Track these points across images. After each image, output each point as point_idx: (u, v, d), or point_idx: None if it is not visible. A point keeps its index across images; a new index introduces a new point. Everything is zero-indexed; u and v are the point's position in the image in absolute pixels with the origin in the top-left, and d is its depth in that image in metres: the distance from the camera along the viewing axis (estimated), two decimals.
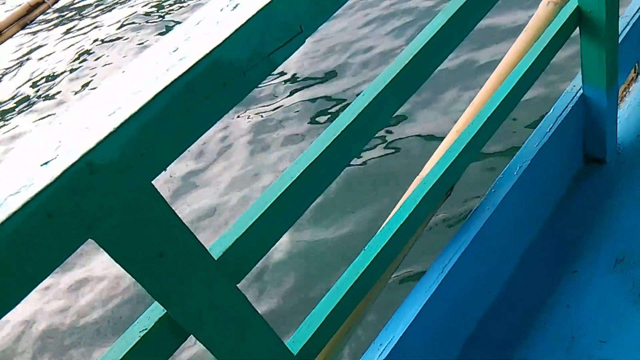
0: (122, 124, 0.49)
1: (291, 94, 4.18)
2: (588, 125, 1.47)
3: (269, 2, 0.58)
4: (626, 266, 1.30)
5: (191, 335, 0.68)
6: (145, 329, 0.65)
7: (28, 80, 6.49)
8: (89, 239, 0.51)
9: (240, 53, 0.56)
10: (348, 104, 0.89)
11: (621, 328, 1.21)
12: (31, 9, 4.79)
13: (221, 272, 0.66)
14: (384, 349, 1.06)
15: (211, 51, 0.53)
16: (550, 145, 1.36)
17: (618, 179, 1.50)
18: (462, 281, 1.20)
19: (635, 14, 1.56)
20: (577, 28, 1.31)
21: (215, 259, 0.68)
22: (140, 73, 0.55)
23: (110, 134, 0.48)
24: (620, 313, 1.23)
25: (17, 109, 5.94)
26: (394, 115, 1.00)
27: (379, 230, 1.02)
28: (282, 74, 4.39)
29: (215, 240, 0.71)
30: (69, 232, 0.49)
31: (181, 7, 6.45)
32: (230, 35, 0.55)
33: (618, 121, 1.59)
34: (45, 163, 0.49)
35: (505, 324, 1.30)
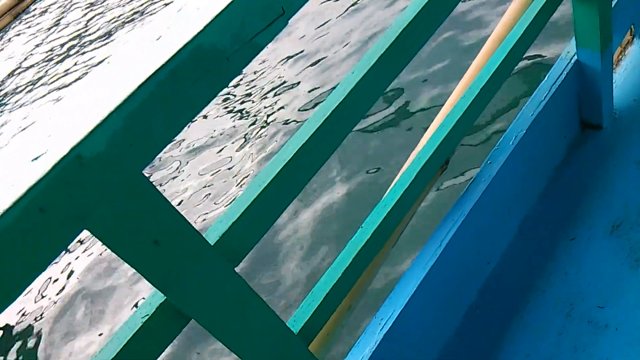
0: (109, 115, 0.49)
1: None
2: (583, 91, 1.47)
3: None
4: (623, 231, 1.31)
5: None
6: (147, 315, 0.66)
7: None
8: (84, 230, 0.52)
9: (222, 38, 0.56)
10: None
11: (619, 292, 1.22)
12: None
13: (218, 257, 0.67)
14: (385, 323, 1.08)
15: (193, 38, 0.53)
16: (545, 113, 1.35)
17: (615, 144, 1.49)
18: (461, 253, 1.21)
19: None
20: None
21: (212, 244, 0.69)
22: (124, 63, 0.55)
23: (98, 125, 0.49)
24: (617, 278, 1.24)
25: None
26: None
27: (376, 206, 1.03)
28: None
29: (211, 226, 0.72)
30: (63, 225, 0.50)
31: None
32: (212, 21, 0.55)
33: (614, 85, 1.58)
34: (36, 158, 0.50)
35: (505, 292, 1.31)
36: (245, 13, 0.58)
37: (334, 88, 0.84)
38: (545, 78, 1.41)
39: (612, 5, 1.39)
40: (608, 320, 1.19)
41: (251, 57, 0.60)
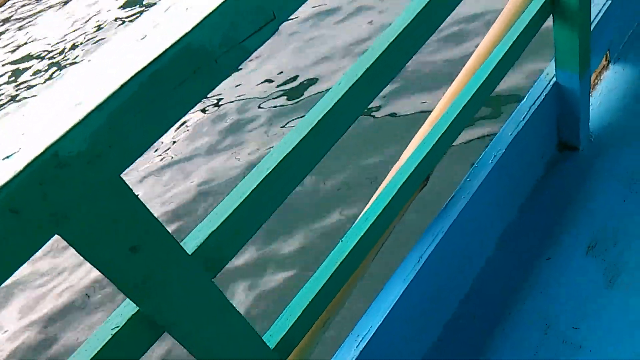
0: (89, 114, 0.47)
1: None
2: (561, 113, 1.49)
3: None
4: (598, 252, 1.32)
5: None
6: (118, 327, 0.63)
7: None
8: (56, 235, 0.49)
9: (211, 39, 0.54)
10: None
11: (593, 313, 1.23)
12: None
13: (196, 266, 0.65)
14: (361, 340, 1.06)
15: (181, 38, 0.51)
16: (524, 133, 1.37)
17: (590, 166, 1.51)
18: (439, 269, 1.20)
19: (606, 2, 1.57)
20: (551, 15, 1.31)
21: (190, 253, 0.66)
22: (107, 62, 0.53)
23: (77, 124, 0.46)
24: (592, 298, 1.25)
25: None
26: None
27: (356, 221, 1.01)
28: None
29: (189, 234, 0.69)
30: (35, 228, 0.47)
31: None
32: (201, 22, 0.53)
33: (591, 108, 1.61)
34: (8, 156, 0.47)
35: (481, 310, 1.31)
36: (236, 15, 0.56)
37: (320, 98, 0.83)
38: (525, 98, 1.42)
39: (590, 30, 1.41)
40: (582, 341, 1.19)
41: (240, 60, 0.58)
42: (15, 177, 0.44)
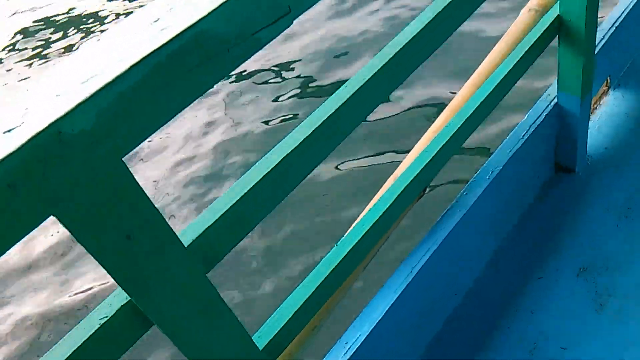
0: (96, 92, 0.45)
1: None
2: (560, 134, 1.49)
3: None
4: (590, 275, 1.32)
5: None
6: (106, 317, 0.61)
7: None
8: (51, 216, 0.48)
9: (225, 28, 0.53)
10: None
11: (583, 335, 1.22)
12: None
13: (191, 259, 0.63)
14: (349, 347, 1.04)
15: (195, 23, 0.50)
16: (522, 151, 1.37)
17: (585, 189, 1.52)
18: (430, 282, 1.20)
19: (610, 27, 1.59)
20: (557, 37, 1.32)
21: (186, 245, 0.65)
22: (117, 42, 0.52)
23: (83, 101, 0.45)
24: (582, 320, 1.25)
25: None
26: None
27: (352, 227, 1.01)
28: None
29: (186, 226, 0.68)
30: (31, 207, 0.45)
31: None
32: (216, 9, 0.52)
33: (589, 133, 1.62)
34: (9, 130, 0.45)
35: (470, 326, 1.30)
36: (252, 7, 0.55)
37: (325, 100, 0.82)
38: (525, 117, 1.43)
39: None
40: None
41: (252, 51, 0.57)
42: (15, 151, 0.43)
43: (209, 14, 0.51)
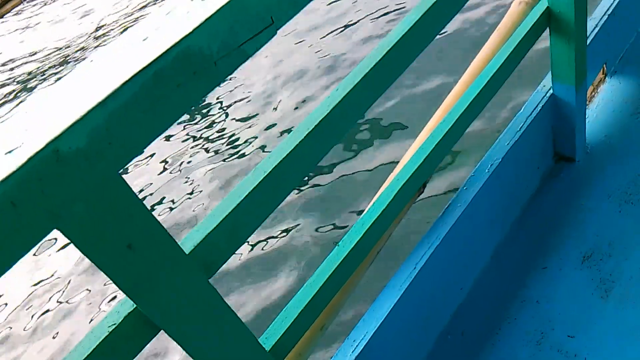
0: (89, 111, 0.48)
1: None
2: (558, 124, 1.50)
3: None
4: (593, 262, 1.33)
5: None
6: (115, 324, 0.64)
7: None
8: (55, 229, 0.51)
9: (210, 43, 0.56)
10: None
11: (589, 322, 1.23)
12: (2, 3, 4.70)
13: (192, 267, 0.66)
14: (357, 345, 1.06)
15: (181, 40, 0.53)
16: (521, 143, 1.38)
17: (587, 177, 1.53)
18: (435, 277, 1.21)
19: (602, 16, 1.59)
20: (547, 28, 1.33)
21: (187, 253, 0.67)
22: (108, 61, 0.54)
23: (78, 121, 0.48)
24: (588, 308, 1.25)
25: None
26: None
27: (353, 226, 1.02)
28: None
29: (186, 234, 0.71)
30: (34, 222, 0.48)
31: None
32: (200, 25, 0.54)
33: (587, 121, 1.62)
34: (10, 151, 0.48)
35: (477, 319, 1.31)
36: (235, 20, 0.58)
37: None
38: (522, 109, 1.44)
39: (587, 44, 1.43)
40: (578, 350, 1.19)
41: (238, 63, 0.59)
42: (16, 171, 0.45)
43: (194, 30, 0.54)
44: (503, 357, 1.23)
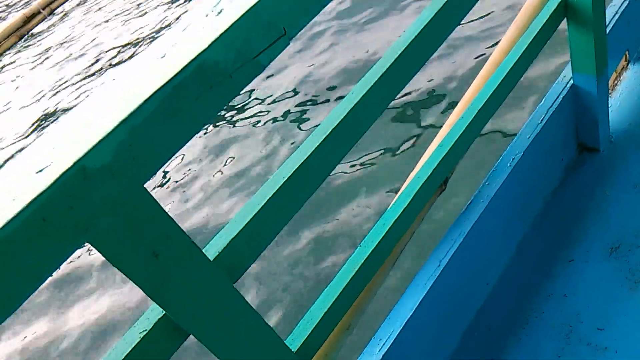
0: (113, 130, 0.50)
1: None
2: (580, 115, 1.49)
3: (252, 7, 0.59)
4: (621, 253, 1.32)
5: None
6: (145, 330, 0.66)
7: None
8: (86, 242, 0.53)
9: (225, 56, 0.58)
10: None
11: (618, 314, 1.22)
12: (27, 19, 4.80)
13: (217, 272, 0.68)
14: (384, 344, 1.07)
15: (197, 55, 0.55)
16: (542, 135, 1.37)
17: (611, 167, 1.51)
18: (459, 273, 1.21)
19: (623, 2, 1.57)
20: (565, 18, 1.32)
21: (211, 259, 0.69)
22: (129, 80, 0.57)
23: (102, 139, 0.50)
24: (616, 300, 1.24)
25: None
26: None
27: (375, 225, 1.03)
28: None
29: (210, 241, 0.73)
30: (65, 236, 0.50)
31: None
32: (216, 40, 0.56)
33: (610, 110, 1.60)
34: (41, 170, 0.51)
35: (503, 313, 1.31)
36: (248, 32, 0.59)
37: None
38: (542, 101, 1.43)
39: (607, 32, 1.41)
40: (607, 343, 1.18)
41: (254, 75, 0.61)
42: (46, 189, 0.48)
43: (209, 45, 0.56)
44: (530, 351, 1.23)
